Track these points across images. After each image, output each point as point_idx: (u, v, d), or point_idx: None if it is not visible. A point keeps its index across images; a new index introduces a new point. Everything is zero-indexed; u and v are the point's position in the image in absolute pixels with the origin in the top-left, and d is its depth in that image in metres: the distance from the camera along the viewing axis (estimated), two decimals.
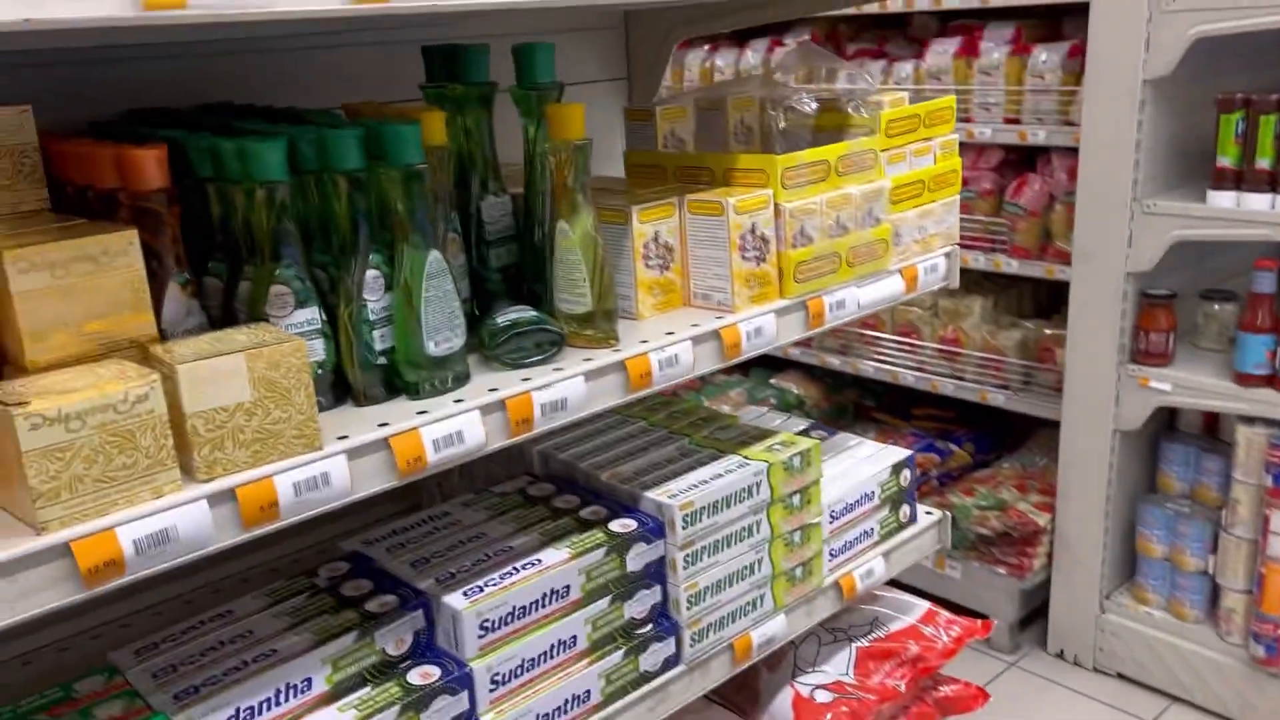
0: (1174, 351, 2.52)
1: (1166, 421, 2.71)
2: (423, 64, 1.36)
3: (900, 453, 1.67)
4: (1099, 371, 2.59)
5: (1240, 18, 2.22)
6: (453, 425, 1.09)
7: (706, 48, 3.48)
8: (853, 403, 3.56)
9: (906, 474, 1.66)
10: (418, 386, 1.13)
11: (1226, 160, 2.31)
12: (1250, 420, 2.40)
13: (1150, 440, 2.70)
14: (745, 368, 3.70)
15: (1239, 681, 2.49)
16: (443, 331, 1.13)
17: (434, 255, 1.11)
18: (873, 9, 2.93)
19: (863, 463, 1.64)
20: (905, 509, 1.68)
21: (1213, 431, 2.63)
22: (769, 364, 3.62)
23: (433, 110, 1.23)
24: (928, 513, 1.74)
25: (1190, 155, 2.51)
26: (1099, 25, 2.42)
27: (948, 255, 1.62)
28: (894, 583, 3.02)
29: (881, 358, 3.23)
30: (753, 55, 3.30)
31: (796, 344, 3.41)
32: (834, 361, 3.34)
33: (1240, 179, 2.30)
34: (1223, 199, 2.33)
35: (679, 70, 3.45)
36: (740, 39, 3.40)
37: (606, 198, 1.39)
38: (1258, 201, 2.28)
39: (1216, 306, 2.57)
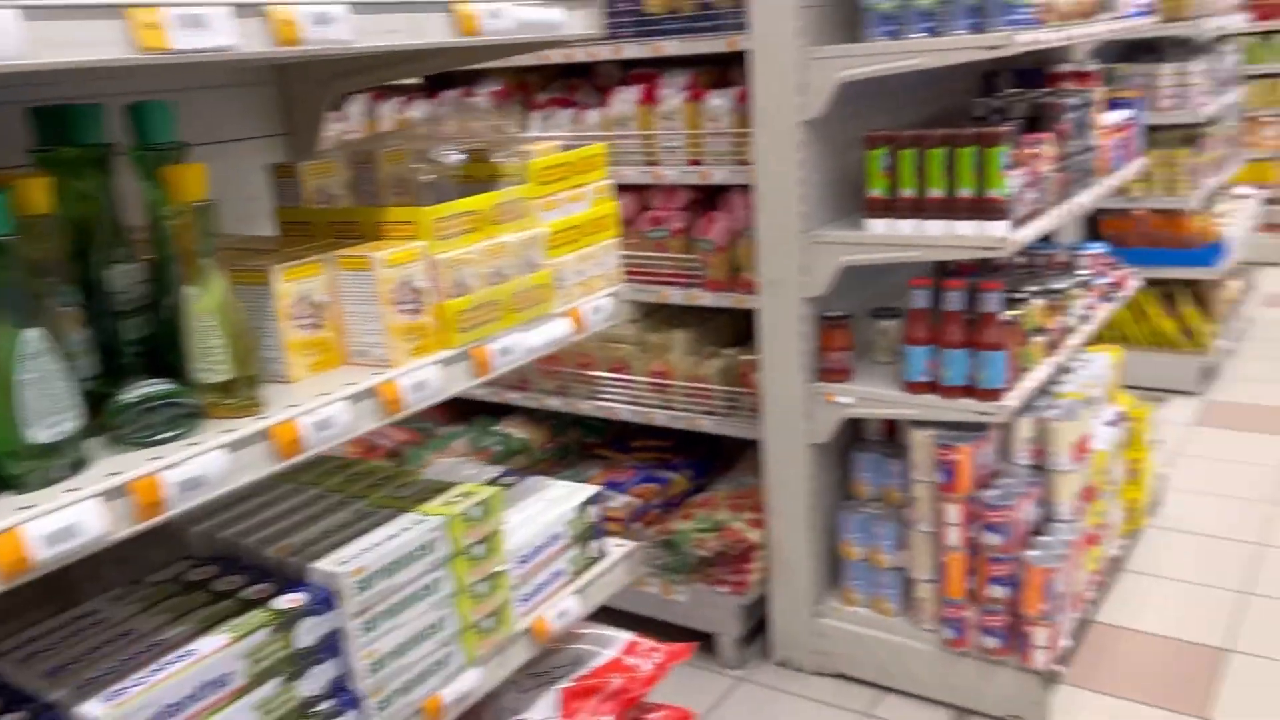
0: (853, 367, 2.73)
1: (854, 432, 2.93)
2: (34, 126, 1.26)
3: (587, 490, 1.70)
4: (790, 391, 2.76)
5: (878, 63, 2.44)
6: (64, 518, 1.00)
7: (402, 98, 3.45)
8: (576, 441, 3.61)
9: (593, 510, 1.69)
10: (22, 479, 1.03)
11: (877, 191, 2.53)
12: (921, 424, 2.63)
13: (842, 451, 2.90)
14: (467, 417, 3.67)
15: (936, 664, 2.71)
16: (50, 416, 1.04)
17: (29, 334, 1.02)
18: (556, 58, 3.01)
19: (550, 504, 1.65)
20: (595, 544, 1.71)
21: (894, 437, 2.86)
22: (492, 410, 3.61)
23: (30, 177, 1.13)
24: (618, 545, 1.77)
25: (851, 187, 2.73)
26: (758, 72, 2.60)
27: (613, 295, 1.68)
28: (624, 616, 3.07)
29: (598, 395, 3.29)
30: (441, 106, 3.30)
31: (512, 388, 3.43)
32: (554, 403, 3.37)
33: (890, 207, 2.53)
34: (877, 226, 2.55)
35: (372, 122, 3.40)
36: (432, 89, 3.40)
37: (251, 257, 1.33)
38: (906, 226, 2.51)
39: (885, 323, 2.80)
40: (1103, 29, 2.76)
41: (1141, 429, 3.19)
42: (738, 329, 3.35)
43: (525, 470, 3.16)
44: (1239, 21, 5.14)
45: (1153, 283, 5.00)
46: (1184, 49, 4.98)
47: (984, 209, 2.40)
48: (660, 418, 3.18)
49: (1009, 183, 2.38)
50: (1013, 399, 2.50)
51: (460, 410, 3.69)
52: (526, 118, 3.21)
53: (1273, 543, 3.41)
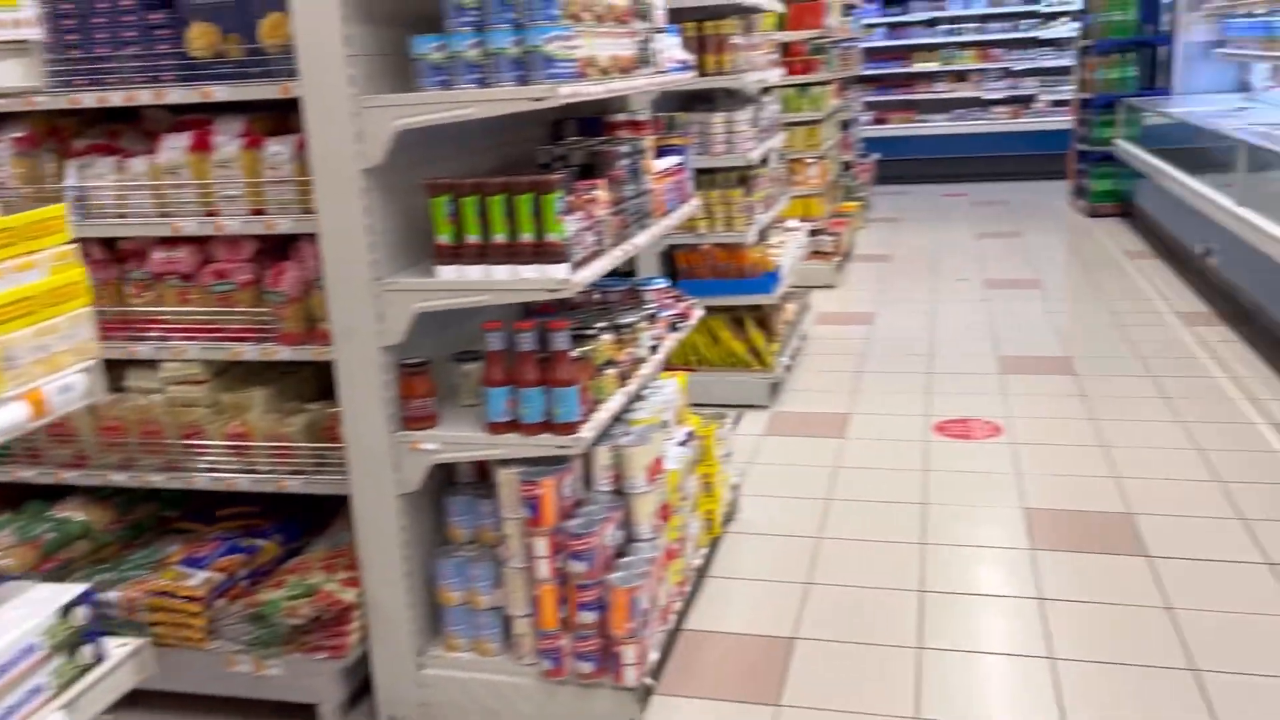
0: (438, 413, 2.73)
1: (449, 476, 2.93)
2: None
3: (71, 590, 1.54)
4: (375, 442, 2.71)
5: (431, 112, 2.48)
6: None
7: None
8: (152, 517, 3.30)
9: (83, 611, 1.53)
10: None
11: (444, 238, 2.56)
12: (506, 463, 2.69)
13: (435, 496, 2.88)
14: (17, 502, 3.23)
15: (537, 696, 2.76)
16: None
17: None
18: (89, 101, 2.75)
19: (21, 613, 1.47)
20: (88, 649, 1.55)
21: (486, 478, 2.90)
22: (46, 494, 3.21)
23: None
24: (120, 645, 1.63)
25: (424, 234, 2.74)
26: (313, 119, 2.54)
27: (87, 370, 1.54)
28: (215, 701, 2.85)
29: (171, 465, 3.03)
30: None
31: (66, 466, 3.08)
32: (119, 478, 3.06)
33: (458, 253, 2.57)
34: (447, 272, 2.58)
35: None
36: None
37: None
38: (474, 272, 2.57)
39: (467, 367, 2.83)
40: (643, 83, 3.00)
41: (711, 445, 3.48)
42: (323, 382, 3.23)
43: (46, 566, 2.84)
44: (775, 76, 5.83)
45: (723, 310, 5.53)
46: (733, 100, 5.56)
47: (545, 252, 2.51)
48: (243, 483, 2.99)
49: (566, 227, 2.51)
50: (588, 431, 2.63)
51: (7, 495, 3.24)
52: (62, 165, 2.90)
53: (827, 534, 3.87)
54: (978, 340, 6.27)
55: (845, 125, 10.06)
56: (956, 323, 6.72)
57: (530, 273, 2.53)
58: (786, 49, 7.83)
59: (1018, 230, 9.75)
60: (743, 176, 5.43)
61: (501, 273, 2.55)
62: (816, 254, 7.92)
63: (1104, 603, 3.30)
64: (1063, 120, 11.93)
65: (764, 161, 5.80)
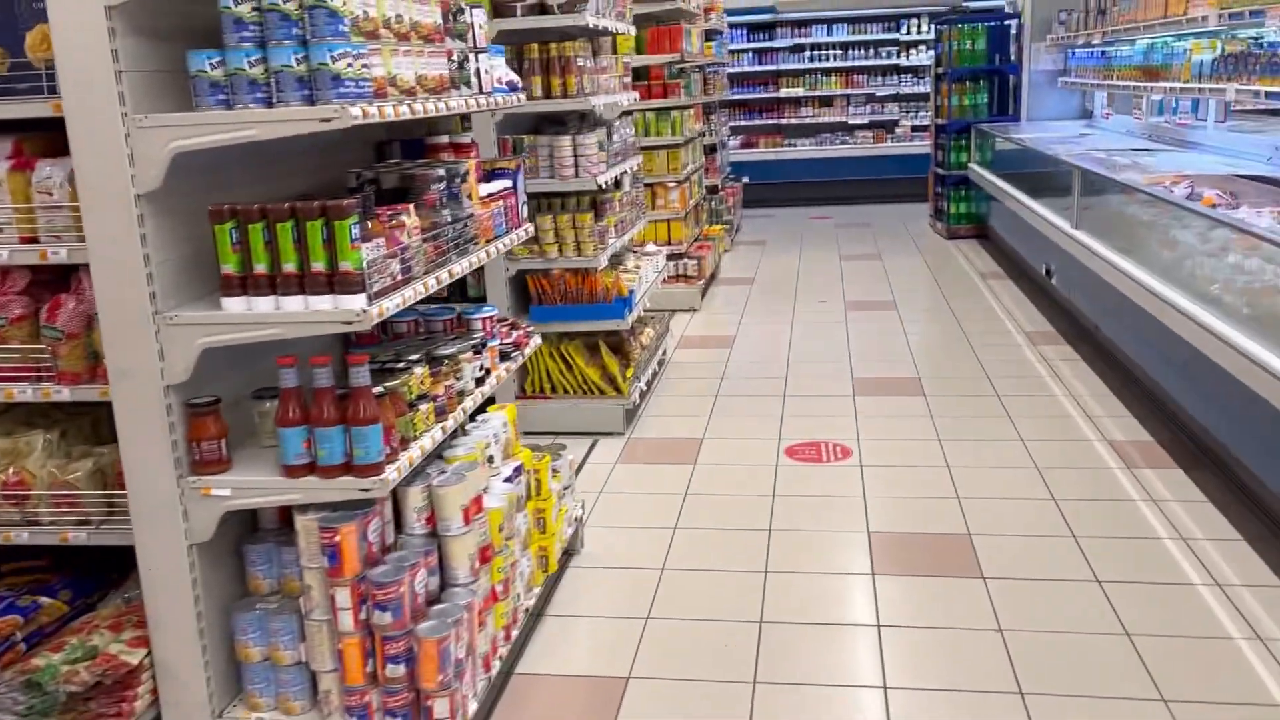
0: (230, 456, 2.53)
1: (251, 523, 2.73)
2: None
3: None
4: (160, 489, 2.50)
5: (212, 134, 2.30)
6: None
7: None
8: None
9: None
10: None
11: (230, 268, 2.38)
12: (304, 508, 2.51)
13: (235, 545, 2.68)
14: None
15: None
16: None
17: None
18: None
19: None
20: None
21: (291, 524, 2.71)
22: None
23: None
24: None
25: (212, 264, 2.55)
26: (80, 140, 2.34)
27: None
28: None
29: None
30: None
31: None
32: None
33: (246, 285, 2.39)
34: (235, 304, 2.40)
35: None
36: None
37: None
38: (264, 304, 2.39)
39: (267, 404, 2.65)
40: (457, 104, 2.87)
41: (544, 479, 3.36)
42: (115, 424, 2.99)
43: None
44: (626, 99, 5.78)
45: (578, 335, 5.43)
46: (585, 123, 5.49)
47: (339, 283, 2.35)
48: (22, 535, 2.73)
49: (363, 254, 2.36)
50: (394, 472, 2.48)
51: None
52: None
53: (671, 566, 3.78)
54: (834, 362, 6.32)
55: (712, 149, 10.14)
56: (815, 345, 6.77)
57: (324, 304, 2.37)
58: (646, 73, 7.83)
59: (879, 252, 9.96)
60: (594, 200, 5.35)
61: (293, 305, 2.38)
62: (680, 278, 7.92)
63: (938, 627, 3.30)
64: (924, 145, 12.29)
65: (618, 185, 5.74)
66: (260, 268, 2.38)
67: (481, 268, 5.20)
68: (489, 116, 4.97)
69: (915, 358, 6.35)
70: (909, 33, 13.29)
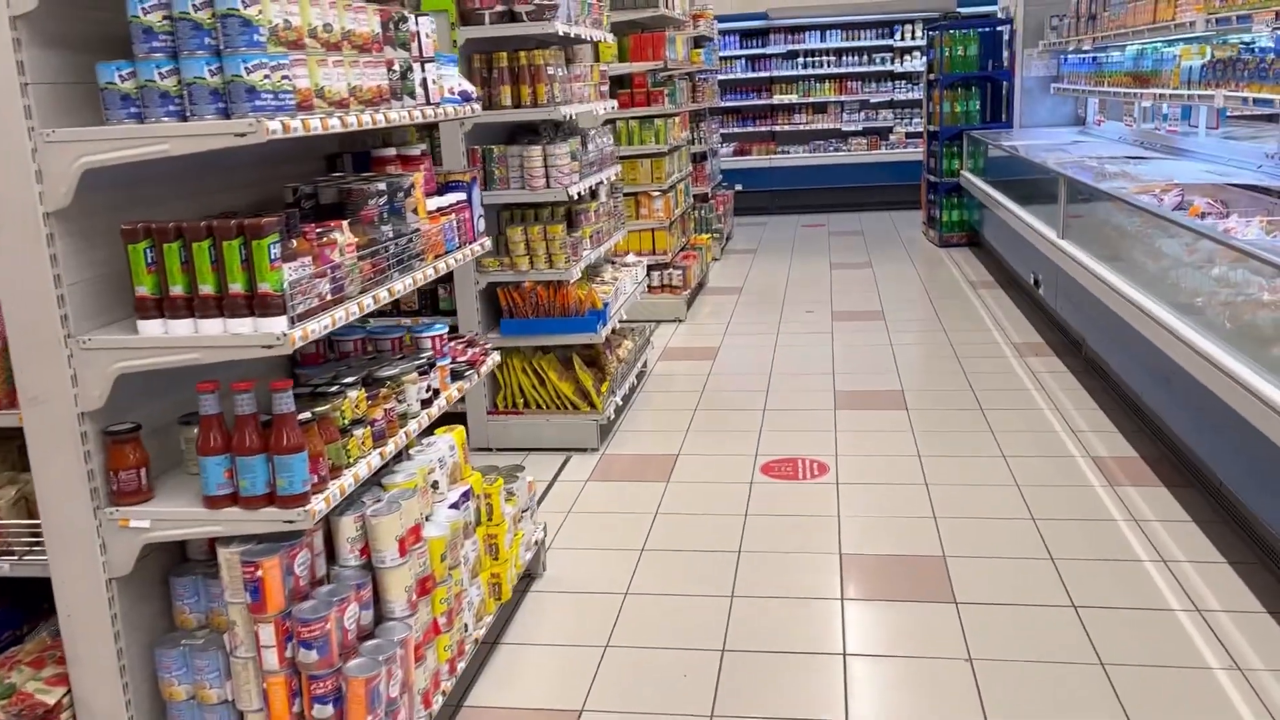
0: (152, 485, 2.42)
1: (180, 553, 2.61)
2: None
3: None
4: (76, 520, 2.38)
5: (123, 149, 2.19)
6: None
7: None
8: None
9: None
10: None
11: (145, 289, 2.27)
12: (228, 541, 2.40)
13: (162, 576, 2.57)
14: None
15: None
16: None
17: None
18: None
19: None
20: None
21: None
22: None
23: None
24: None
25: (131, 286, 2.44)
26: None
27: None
28: None
29: None
30: None
31: None
32: None
33: (163, 307, 2.28)
34: (152, 328, 2.29)
35: None
36: None
37: None
38: (181, 327, 2.28)
39: (194, 430, 2.53)
40: (397, 116, 2.76)
41: (496, 503, 3.24)
42: None
43: None
44: (602, 108, 5.67)
45: (551, 349, 5.31)
46: (559, 132, 5.37)
47: (259, 305, 2.24)
48: None
49: (284, 275, 2.24)
50: (320, 502, 2.36)
51: None
52: None
53: (635, 590, 3.66)
54: (817, 375, 6.20)
55: (702, 157, 10.03)
56: (799, 357, 6.65)
57: (243, 328, 2.25)
58: (629, 81, 7.72)
59: (871, 261, 9.84)
60: (569, 211, 5.24)
61: (212, 328, 2.27)
62: (665, 288, 7.80)
63: (907, 656, 3.17)
64: (918, 152, 12.18)
65: (594, 195, 5.62)
66: (177, 289, 2.26)
67: (452, 281, 5.11)
68: (457, 127, 4.88)
69: (900, 370, 6.23)
70: (903, 39, 13.19)
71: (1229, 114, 6.88)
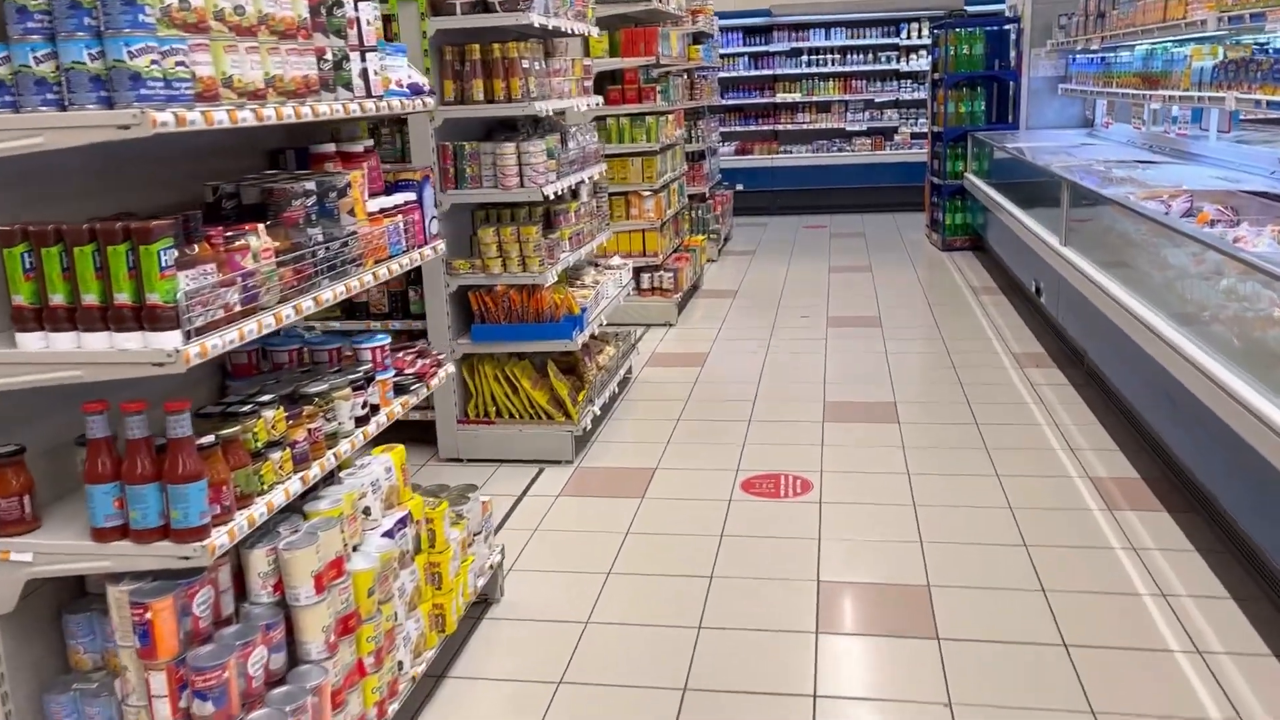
0: (38, 514, 2.19)
1: (78, 587, 2.39)
2: None
3: None
4: None
5: None
6: None
7: None
8: None
9: None
10: None
11: (22, 298, 2.04)
12: (118, 578, 2.17)
13: (54, 614, 2.34)
14: None
15: None
16: None
17: None
18: None
19: None
20: None
21: None
22: None
23: None
24: None
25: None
26: None
27: None
28: None
29: None
30: None
31: None
32: None
33: (42, 318, 2.05)
34: (31, 341, 2.06)
35: None
36: None
37: None
38: (64, 341, 2.05)
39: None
40: (328, 109, 2.53)
41: (439, 529, 3.00)
42: None
43: None
44: (584, 104, 5.42)
45: (525, 356, 5.08)
46: (539, 128, 5.13)
47: (148, 317, 2.01)
48: None
49: (179, 285, 2.01)
50: (222, 536, 2.13)
51: None
52: None
53: (596, 619, 3.42)
54: (806, 384, 5.96)
55: (699, 156, 9.78)
56: (790, 365, 6.40)
57: (131, 343, 2.02)
58: (620, 76, 7.48)
59: (871, 264, 9.59)
60: (547, 211, 5.01)
61: (97, 342, 2.04)
62: (655, 290, 7.56)
63: (881, 699, 2.93)
64: (923, 153, 11.91)
65: (575, 194, 5.39)
66: (57, 299, 2.03)
67: (421, 283, 4.87)
68: (426, 121, 4.64)
69: (894, 380, 5.97)
70: (909, 37, 12.92)
71: (1241, 117, 6.61)
